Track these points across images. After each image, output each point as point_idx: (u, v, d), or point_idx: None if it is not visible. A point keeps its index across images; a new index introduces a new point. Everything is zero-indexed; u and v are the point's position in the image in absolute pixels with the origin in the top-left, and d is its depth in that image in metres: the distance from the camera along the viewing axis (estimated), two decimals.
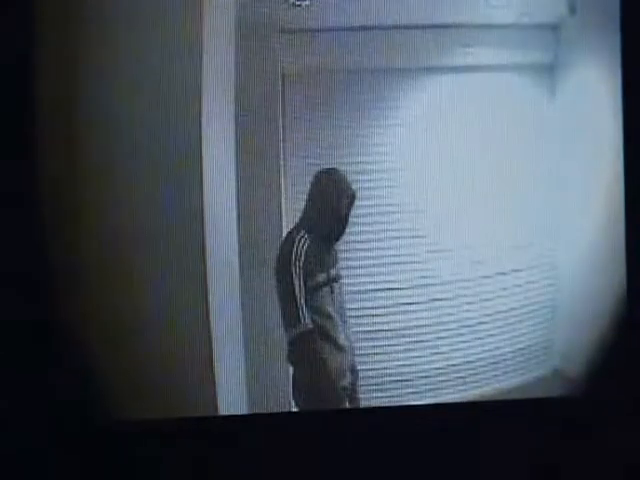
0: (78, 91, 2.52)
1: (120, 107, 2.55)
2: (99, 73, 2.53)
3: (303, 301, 2.84)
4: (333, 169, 2.94)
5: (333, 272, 2.93)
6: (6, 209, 2.39)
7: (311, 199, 2.92)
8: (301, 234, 2.87)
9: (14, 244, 2.38)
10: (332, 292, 2.92)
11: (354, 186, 2.86)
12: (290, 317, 2.82)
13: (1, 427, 2.37)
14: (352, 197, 2.89)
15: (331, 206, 2.89)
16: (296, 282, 2.83)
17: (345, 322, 2.97)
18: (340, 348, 2.89)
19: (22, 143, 2.39)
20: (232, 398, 2.73)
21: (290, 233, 2.91)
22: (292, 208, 3.01)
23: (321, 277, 2.89)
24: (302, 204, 2.95)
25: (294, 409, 2.80)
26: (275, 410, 2.79)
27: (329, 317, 2.89)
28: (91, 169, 2.53)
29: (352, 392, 2.92)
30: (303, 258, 2.84)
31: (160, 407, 2.50)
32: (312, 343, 2.83)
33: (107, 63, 2.54)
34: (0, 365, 2.39)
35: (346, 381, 2.88)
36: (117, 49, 2.55)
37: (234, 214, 2.81)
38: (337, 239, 2.92)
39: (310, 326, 2.83)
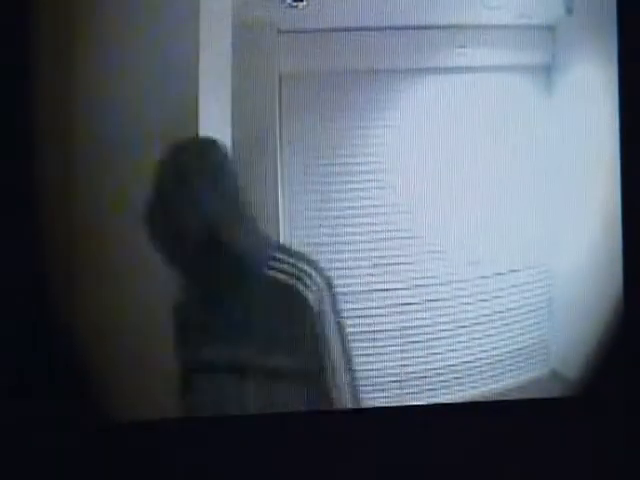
0: (76, 91, 2.52)
1: (117, 107, 2.55)
2: (97, 73, 2.54)
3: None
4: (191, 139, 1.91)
5: (225, 354, 1.89)
6: (5, 209, 2.40)
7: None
8: None
9: (13, 244, 2.38)
10: (199, 387, 1.91)
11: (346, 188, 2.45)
12: None
13: (0, 427, 2.37)
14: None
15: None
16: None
17: None
18: None
19: (22, 143, 2.39)
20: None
21: None
22: (289, 209, 3.01)
23: (200, 355, 1.94)
24: (299, 205, 2.95)
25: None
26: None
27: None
28: (90, 169, 2.53)
29: None
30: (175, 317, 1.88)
31: (159, 408, 2.50)
32: None
33: (105, 63, 2.55)
34: None
35: None
36: (115, 49, 2.55)
37: None
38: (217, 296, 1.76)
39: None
